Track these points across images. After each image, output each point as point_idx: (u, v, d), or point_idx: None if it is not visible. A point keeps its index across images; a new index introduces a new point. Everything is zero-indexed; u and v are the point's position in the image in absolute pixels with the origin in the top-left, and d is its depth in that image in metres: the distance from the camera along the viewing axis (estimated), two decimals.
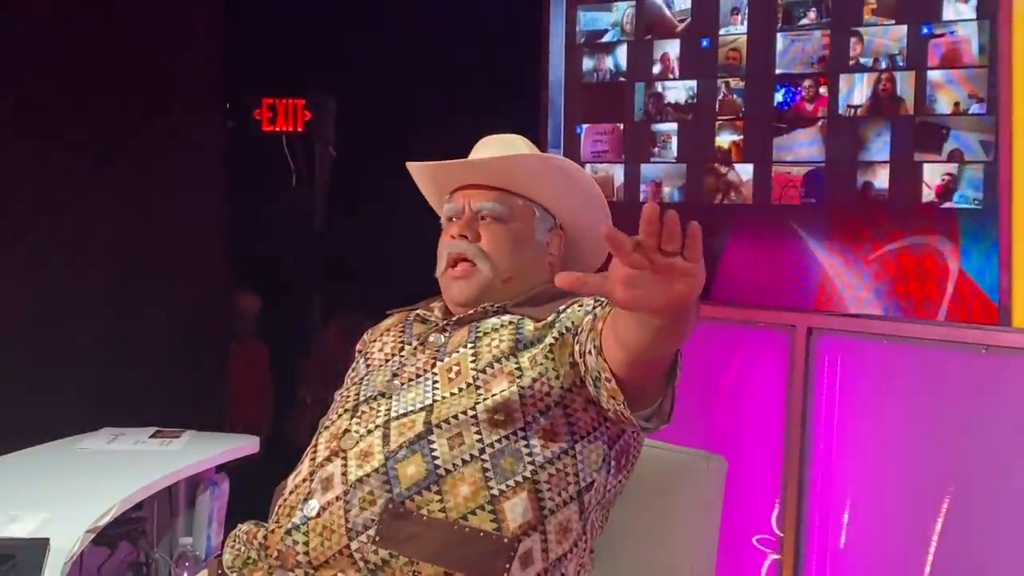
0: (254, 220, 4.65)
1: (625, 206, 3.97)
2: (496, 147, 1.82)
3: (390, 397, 1.66)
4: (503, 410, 1.57)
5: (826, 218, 3.53)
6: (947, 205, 3.30)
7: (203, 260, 4.06)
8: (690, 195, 3.81)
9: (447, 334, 1.74)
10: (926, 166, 3.34)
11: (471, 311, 1.75)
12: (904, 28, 3.38)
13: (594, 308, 1.59)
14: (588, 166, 4.07)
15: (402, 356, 1.74)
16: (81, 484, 2.40)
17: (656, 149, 3.92)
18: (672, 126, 3.87)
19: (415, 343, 1.76)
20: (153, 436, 2.83)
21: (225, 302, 4.28)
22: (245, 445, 2.83)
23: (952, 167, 3.30)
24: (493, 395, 1.58)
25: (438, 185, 1.87)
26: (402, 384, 1.68)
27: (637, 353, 1.41)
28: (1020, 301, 3.12)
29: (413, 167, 1.90)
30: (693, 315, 1.29)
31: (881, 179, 3.43)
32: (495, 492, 1.52)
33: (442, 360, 1.67)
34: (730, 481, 3.32)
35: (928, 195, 3.34)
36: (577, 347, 1.56)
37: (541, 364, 1.59)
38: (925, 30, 3.35)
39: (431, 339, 1.74)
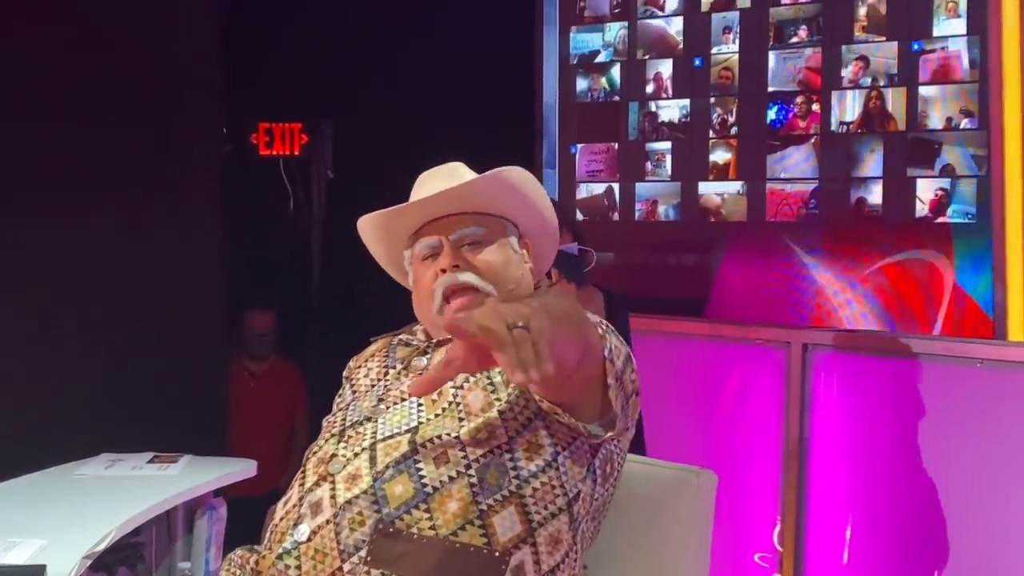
0: (252, 244, 4.67)
1: (621, 224, 3.98)
2: (445, 178, 1.81)
3: (376, 421, 1.67)
4: (485, 428, 1.58)
5: (821, 234, 3.54)
6: (941, 220, 3.32)
7: (202, 284, 4.06)
8: (685, 213, 3.83)
9: (429, 356, 1.75)
10: (919, 181, 3.36)
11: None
12: (895, 45, 3.40)
13: None
14: (583, 185, 4.09)
15: (387, 380, 1.75)
16: (78, 510, 2.40)
17: (651, 168, 3.93)
18: (666, 145, 3.89)
19: (399, 367, 1.76)
20: (151, 461, 2.83)
21: (224, 326, 4.28)
22: (243, 469, 2.83)
23: (945, 182, 3.32)
24: (475, 417, 1.59)
25: (393, 231, 1.81)
26: (387, 408, 1.69)
27: None
28: (1014, 314, 3.13)
29: (371, 218, 1.81)
30: (555, 347, 1.33)
31: (875, 195, 3.45)
32: (483, 507, 1.53)
33: (454, 380, 1.67)
34: (730, 498, 3.34)
35: (922, 210, 3.35)
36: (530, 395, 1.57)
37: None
38: (916, 46, 3.37)
39: (414, 362, 1.75)
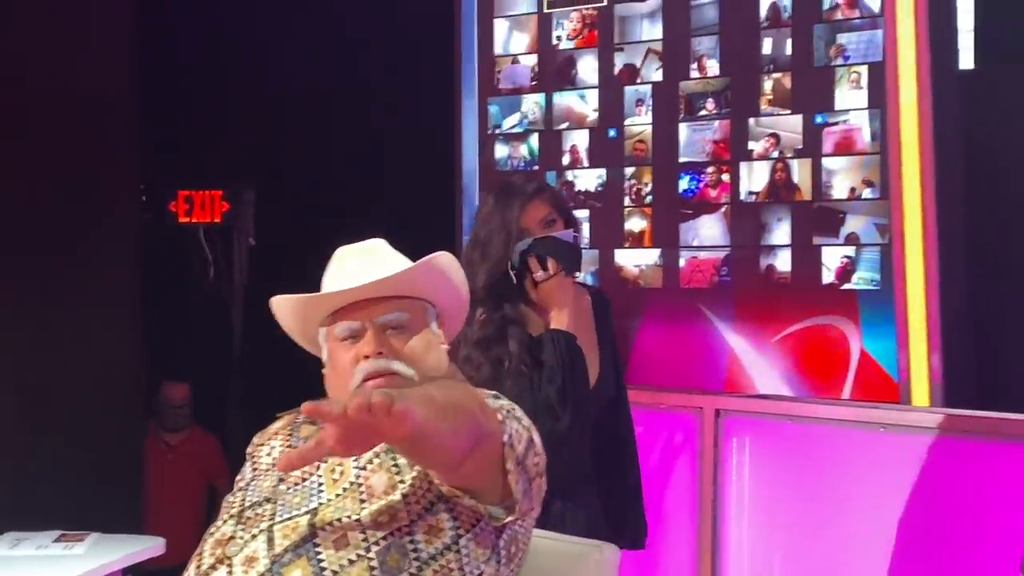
0: (171, 313, 4.64)
1: None
2: (362, 257, 1.82)
3: (275, 502, 1.66)
4: (388, 511, 1.58)
5: (733, 301, 3.61)
6: (847, 286, 3.40)
7: (118, 354, 4.01)
8: (603, 279, 3.88)
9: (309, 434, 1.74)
10: (825, 249, 3.45)
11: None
12: (800, 118, 3.51)
13: None
14: None
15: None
16: None
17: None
18: (584, 213, 3.95)
19: (303, 445, 1.75)
20: (57, 540, 2.78)
21: (141, 397, 4.23)
22: (151, 547, 2.80)
23: (850, 250, 3.41)
24: (377, 499, 1.60)
25: (312, 311, 1.79)
26: (288, 488, 1.68)
27: (424, 465, 1.55)
28: (918, 379, 3.21)
29: (289, 300, 1.79)
30: (436, 438, 1.36)
31: (783, 262, 3.53)
32: None
33: (326, 461, 1.67)
34: (644, 566, 3.34)
35: (828, 277, 3.44)
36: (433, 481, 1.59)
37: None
38: (819, 119, 3.48)
39: None
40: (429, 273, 1.79)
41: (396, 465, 1.63)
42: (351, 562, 1.54)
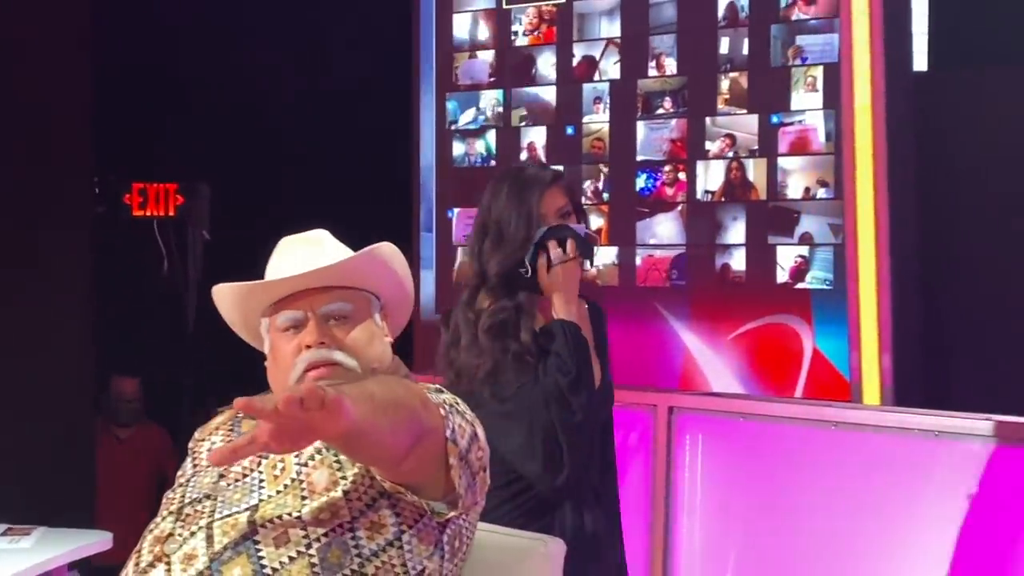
0: (123, 306, 4.58)
1: None
2: (305, 247, 1.80)
3: (215, 498, 1.63)
4: (329, 508, 1.57)
5: (688, 300, 3.63)
6: (800, 286, 3.43)
7: (69, 347, 3.96)
8: None
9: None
10: (779, 248, 3.47)
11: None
12: (755, 117, 3.53)
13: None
14: (461, 249, 4.12)
15: None
16: None
17: None
18: None
19: (235, 440, 1.73)
20: (3, 534, 2.74)
21: (91, 391, 4.18)
22: (98, 542, 2.76)
23: (804, 249, 3.43)
24: (318, 496, 1.58)
25: (253, 300, 1.76)
26: (228, 485, 1.65)
27: (365, 462, 1.53)
28: (868, 378, 3.25)
29: (230, 288, 1.76)
30: (374, 435, 1.36)
31: (738, 261, 3.55)
32: None
33: (267, 457, 1.65)
34: None
35: (782, 276, 3.47)
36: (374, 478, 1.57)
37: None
38: (775, 119, 3.50)
39: None
40: (372, 263, 1.77)
41: (338, 461, 1.61)
42: (291, 559, 1.52)
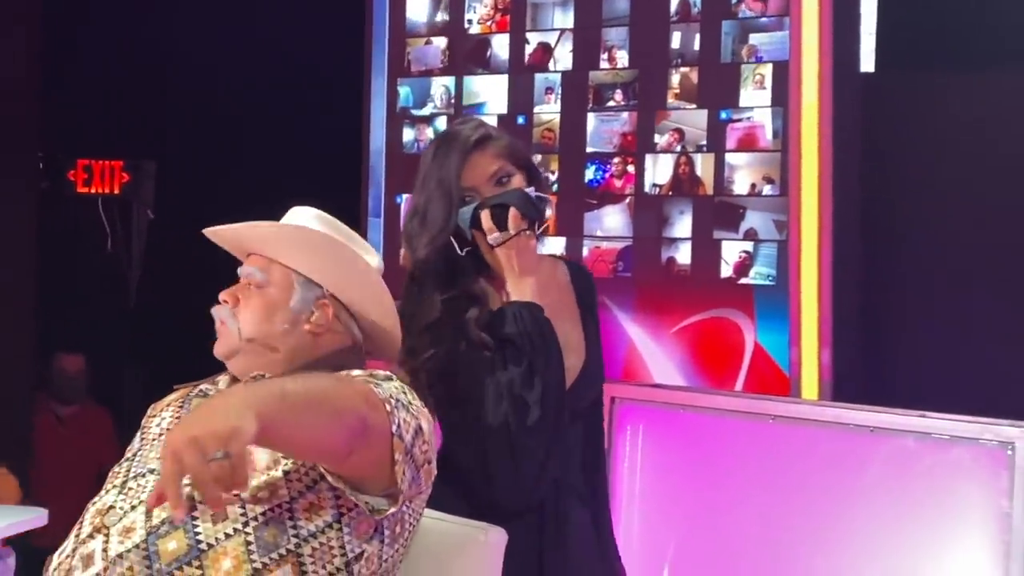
0: (67, 283, 4.53)
1: None
2: (290, 218, 1.83)
3: (158, 474, 1.65)
4: (268, 487, 1.58)
5: (633, 292, 3.66)
6: (744, 281, 3.47)
7: (10, 323, 3.92)
8: None
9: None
10: (724, 243, 3.51)
11: (243, 383, 1.75)
12: (705, 113, 3.56)
13: None
14: None
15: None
16: None
17: None
18: None
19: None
20: None
21: (32, 368, 4.13)
22: (33, 518, 2.73)
23: (748, 245, 3.47)
24: (258, 474, 1.58)
25: (238, 249, 1.84)
26: None
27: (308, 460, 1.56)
28: (807, 374, 3.29)
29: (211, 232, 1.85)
30: (294, 433, 1.40)
31: (684, 255, 3.58)
32: (257, 565, 1.51)
33: None
34: None
35: (727, 271, 3.50)
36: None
37: None
38: (724, 115, 3.53)
39: None
40: (278, 236, 1.78)
41: None
42: (227, 536, 1.53)
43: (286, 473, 1.58)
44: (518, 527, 1.84)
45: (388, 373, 1.71)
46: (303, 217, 1.84)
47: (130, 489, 1.64)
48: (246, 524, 1.54)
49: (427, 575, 1.79)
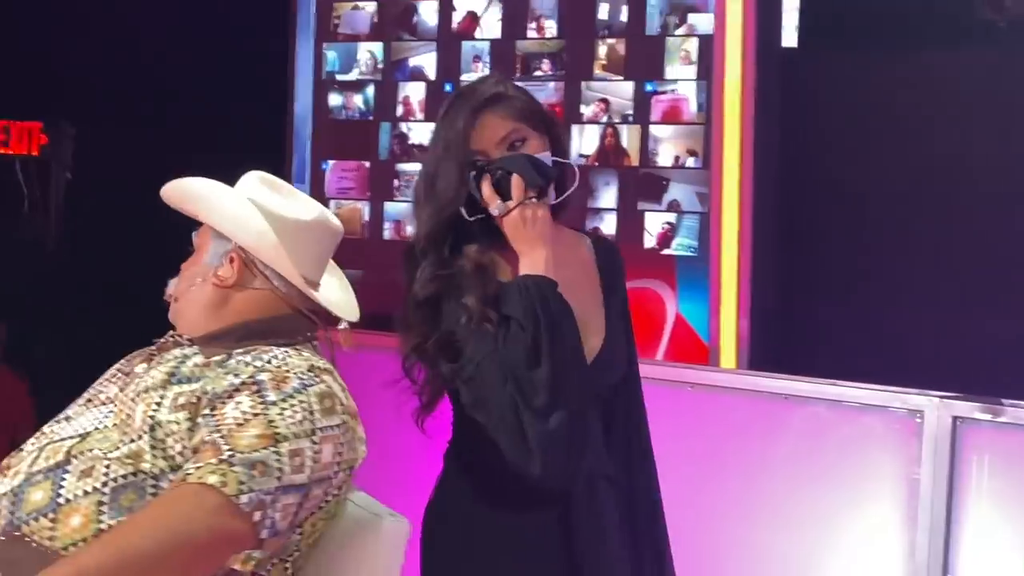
0: None
1: (370, 242, 4.01)
2: (239, 183, 1.80)
3: (72, 421, 1.63)
4: (134, 457, 1.55)
5: None
6: (667, 252, 3.51)
7: None
8: None
9: (150, 364, 1.71)
10: (648, 215, 3.54)
11: (167, 341, 1.74)
12: (631, 84, 3.58)
13: (213, 424, 1.52)
14: (333, 202, 4.09)
15: (110, 382, 1.71)
16: None
17: (400, 188, 3.98)
18: (416, 166, 3.94)
19: (128, 371, 1.72)
20: None
21: None
22: None
23: (672, 216, 3.51)
24: (132, 440, 1.56)
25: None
26: (88, 409, 1.65)
27: None
28: (726, 343, 3.35)
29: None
30: None
31: (609, 226, 3.61)
32: (103, 527, 1.48)
33: (146, 392, 1.64)
34: None
35: (650, 242, 3.54)
36: (185, 444, 1.54)
37: (180, 413, 1.55)
38: (649, 87, 3.56)
39: (137, 368, 1.71)
40: (176, 193, 1.78)
41: (159, 403, 1.59)
42: (85, 494, 1.51)
43: (152, 443, 1.54)
44: (537, 507, 1.76)
45: (327, 365, 1.67)
46: (245, 179, 1.81)
47: (43, 434, 1.64)
48: (104, 484, 1.52)
49: (319, 559, 1.67)
